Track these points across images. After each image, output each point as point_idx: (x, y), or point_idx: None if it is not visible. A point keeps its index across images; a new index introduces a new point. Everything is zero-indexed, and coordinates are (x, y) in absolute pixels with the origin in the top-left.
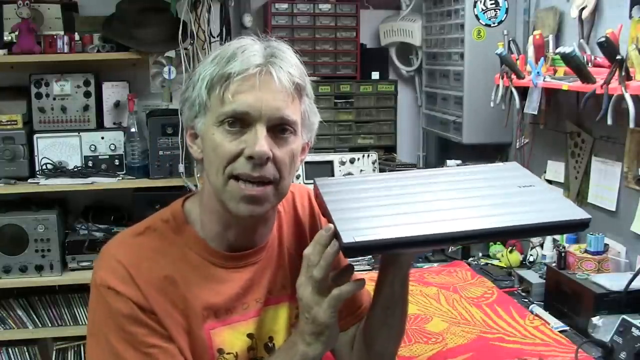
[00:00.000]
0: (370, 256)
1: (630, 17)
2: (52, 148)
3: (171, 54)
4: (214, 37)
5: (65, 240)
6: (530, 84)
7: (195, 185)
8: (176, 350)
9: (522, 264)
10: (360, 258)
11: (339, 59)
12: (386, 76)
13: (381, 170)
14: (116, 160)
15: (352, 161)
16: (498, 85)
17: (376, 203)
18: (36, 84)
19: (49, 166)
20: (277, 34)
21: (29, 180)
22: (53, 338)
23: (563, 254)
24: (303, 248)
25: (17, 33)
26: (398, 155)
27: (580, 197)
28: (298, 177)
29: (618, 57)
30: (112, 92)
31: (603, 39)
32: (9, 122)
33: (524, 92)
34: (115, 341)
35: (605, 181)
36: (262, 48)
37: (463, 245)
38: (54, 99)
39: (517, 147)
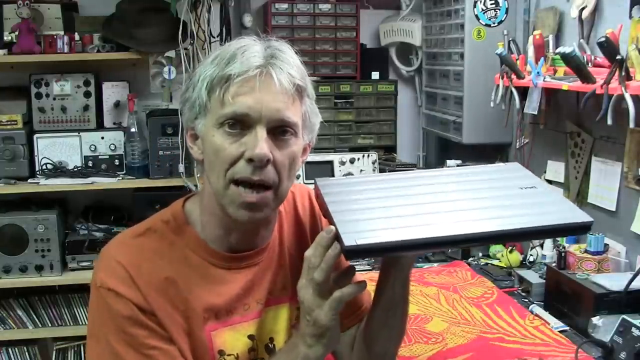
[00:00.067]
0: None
1: (630, 17)
2: (52, 148)
3: (171, 54)
4: (214, 37)
5: (65, 240)
6: (530, 84)
7: (195, 186)
8: (177, 351)
9: (522, 264)
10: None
11: (339, 59)
12: (386, 76)
13: (381, 170)
14: (116, 160)
15: (352, 161)
16: (498, 85)
17: (378, 204)
18: (36, 84)
19: (49, 166)
20: (277, 34)
21: (29, 180)
22: (53, 338)
23: (563, 254)
24: (304, 248)
25: (17, 33)
26: (398, 155)
27: (580, 197)
28: (298, 177)
29: (618, 57)
30: (112, 92)
31: (603, 39)
32: (9, 122)
33: (524, 92)
34: (115, 343)
35: (605, 181)
36: (262, 49)
37: (464, 248)
38: (54, 99)
39: (517, 147)
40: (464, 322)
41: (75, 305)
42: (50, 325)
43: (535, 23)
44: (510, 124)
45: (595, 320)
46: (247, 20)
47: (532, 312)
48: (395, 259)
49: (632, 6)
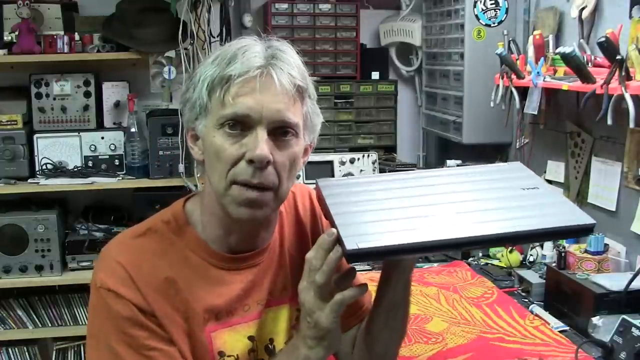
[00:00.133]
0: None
1: (630, 17)
2: (52, 148)
3: (171, 54)
4: (214, 37)
5: (65, 240)
6: (530, 84)
7: (195, 186)
8: (177, 353)
9: (522, 264)
10: None
11: (339, 59)
12: (386, 76)
13: (381, 170)
14: (116, 160)
15: (352, 161)
16: (498, 85)
17: (379, 206)
18: (36, 84)
19: (49, 166)
20: (277, 34)
21: (29, 180)
22: (53, 338)
23: (563, 254)
24: (304, 249)
25: (17, 33)
26: (398, 155)
27: (580, 197)
28: (298, 177)
29: (618, 57)
30: (112, 92)
31: (603, 39)
32: (9, 122)
33: (524, 92)
34: (115, 343)
35: (605, 181)
36: (263, 49)
37: (466, 250)
38: (54, 99)
39: (517, 147)
40: (464, 322)
41: (75, 305)
42: (50, 325)
43: (535, 23)
44: (510, 124)
45: (595, 320)
46: (247, 20)
47: (532, 312)
48: (397, 261)
49: (632, 6)
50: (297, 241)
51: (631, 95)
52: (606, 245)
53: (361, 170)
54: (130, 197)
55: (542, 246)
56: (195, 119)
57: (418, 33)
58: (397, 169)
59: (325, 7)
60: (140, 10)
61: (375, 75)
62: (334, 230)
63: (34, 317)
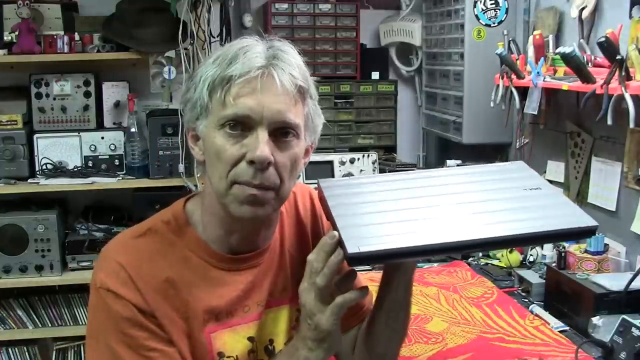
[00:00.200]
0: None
1: (630, 17)
2: (52, 148)
3: (171, 54)
4: (214, 37)
5: (65, 240)
6: (530, 84)
7: (195, 186)
8: (176, 353)
9: (522, 264)
10: None
11: (339, 59)
12: (386, 76)
13: (381, 170)
14: (116, 160)
15: (352, 161)
16: (498, 85)
17: (381, 208)
18: (36, 84)
19: (49, 166)
20: (277, 34)
21: (29, 180)
22: (53, 338)
23: (563, 254)
24: (304, 249)
25: (17, 33)
26: (398, 155)
27: (580, 197)
28: (298, 177)
29: (618, 57)
30: (112, 92)
31: (603, 39)
32: (9, 122)
33: (524, 92)
34: (115, 344)
35: (605, 181)
36: (264, 49)
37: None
38: (54, 99)
39: (517, 147)
40: (464, 322)
41: (75, 305)
42: (50, 325)
43: (535, 23)
44: (510, 124)
45: (595, 320)
46: (247, 20)
47: (532, 312)
48: (398, 263)
49: (632, 6)
50: (298, 241)
51: (631, 95)
52: (606, 245)
53: (361, 170)
54: (130, 197)
55: (542, 246)
56: (196, 119)
57: (418, 33)
58: (397, 169)
59: (325, 7)
60: (140, 10)
61: (375, 75)
62: (335, 233)
63: (34, 317)
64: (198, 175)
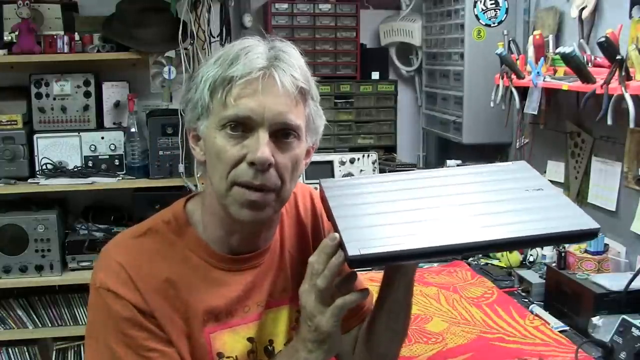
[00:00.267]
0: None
1: (630, 17)
2: (52, 148)
3: (171, 54)
4: (214, 37)
5: (65, 240)
6: (530, 84)
7: (195, 186)
8: (176, 354)
9: (522, 264)
10: None
11: (339, 59)
12: (386, 76)
13: (381, 170)
14: (116, 160)
15: (352, 161)
16: (498, 85)
17: (383, 209)
18: (36, 84)
19: (49, 166)
20: (277, 34)
21: (29, 180)
22: (53, 338)
23: (563, 254)
24: (305, 250)
25: (17, 33)
26: (398, 155)
27: (580, 197)
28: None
29: (618, 57)
30: (112, 92)
31: (603, 39)
32: (9, 122)
33: (524, 92)
34: (114, 344)
35: (605, 181)
36: (265, 50)
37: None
38: (54, 99)
39: (517, 147)
40: (464, 322)
41: (75, 305)
42: (50, 325)
43: (535, 23)
44: (510, 124)
45: (595, 320)
46: (247, 20)
47: (532, 312)
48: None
49: (632, 6)
50: (298, 242)
51: (631, 95)
52: (606, 245)
53: (361, 170)
54: (130, 197)
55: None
56: (197, 119)
57: (418, 33)
58: (397, 169)
59: (325, 7)
60: (140, 10)
61: (375, 75)
62: (336, 235)
63: (34, 317)
64: (198, 175)
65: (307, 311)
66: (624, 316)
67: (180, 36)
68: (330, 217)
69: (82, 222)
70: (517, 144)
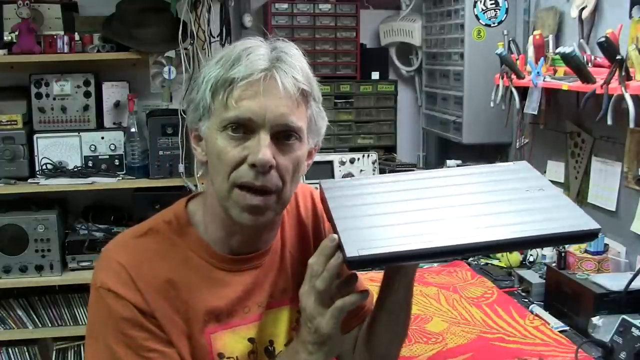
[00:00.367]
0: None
1: (630, 17)
2: (52, 148)
3: (171, 54)
4: (214, 37)
5: (65, 240)
6: (530, 84)
7: (195, 186)
8: (176, 354)
9: (522, 264)
10: None
11: (339, 59)
12: (386, 76)
13: (381, 171)
14: (116, 160)
15: (352, 161)
16: (498, 85)
17: (383, 210)
18: (36, 84)
19: (49, 166)
20: (277, 34)
21: (29, 180)
22: (53, 338)
23: (563, 254)
24: (305, 250)
25: (17, 33)
26: (398, 155)
27: (580, 197)
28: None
29: (618, 57)
30: (112, 92)
31: (603, 39)
32: (9, 122)
33: (524, 92)
34: (114, 344)
35: (605, 181)
36: (267, 51)
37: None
38: (54, 99)
39: (517, 147)
40: (464, 322)
41: (75, 305)
42: (50, 325)
43: (535, 23)
44: (510, 124)
45: (595, 320)
46: (247, 20)
47: (532, 312)
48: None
49: (632, 6)
50: (299, 242)
51: (631, 95)
52: (606, 245)
53: (361, 170)
54: (130, 197)
55: None
56: (198, 120)
57: (418, 33)
58: (397, 169)
59: (325, 7)
60: (140, 10)
61: (375, 75)
62: (335, 236)
63: (34, 317)
64: (198, 175)
65: (307, 313)
66: (624, 316)
67: (180, 36)
68: (329, 218)
69: (82, 222)
70: (517, 144)
